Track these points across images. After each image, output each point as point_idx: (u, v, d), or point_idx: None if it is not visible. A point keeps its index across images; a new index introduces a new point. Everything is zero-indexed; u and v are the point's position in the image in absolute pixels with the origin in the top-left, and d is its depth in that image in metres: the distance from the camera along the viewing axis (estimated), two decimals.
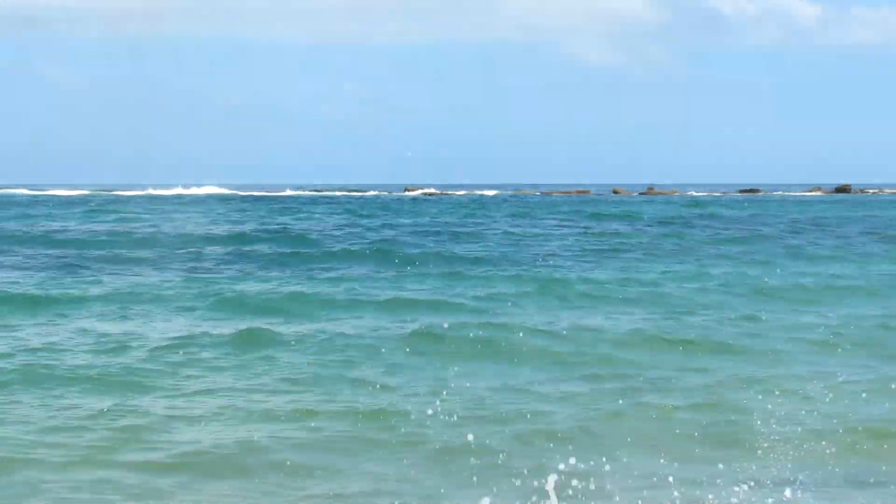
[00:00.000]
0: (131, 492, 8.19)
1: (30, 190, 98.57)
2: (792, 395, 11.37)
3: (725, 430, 10.26)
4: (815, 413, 10.64)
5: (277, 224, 43.82)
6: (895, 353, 14.40)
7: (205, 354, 14.17)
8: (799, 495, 8.05)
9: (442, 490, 8.20)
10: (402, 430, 9.79)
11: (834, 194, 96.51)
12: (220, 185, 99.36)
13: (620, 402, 11.09)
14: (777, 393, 11.30)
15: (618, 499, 7.90)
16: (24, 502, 8.07)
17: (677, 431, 9.89)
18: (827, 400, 11.24)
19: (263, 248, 31.61)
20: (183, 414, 10.79)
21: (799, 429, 9.82)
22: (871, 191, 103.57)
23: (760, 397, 11.19)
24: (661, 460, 8.87)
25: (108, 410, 10.50)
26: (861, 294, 21.43)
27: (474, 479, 8.22)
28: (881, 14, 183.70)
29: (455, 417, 9.71)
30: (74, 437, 9.84)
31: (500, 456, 8.87)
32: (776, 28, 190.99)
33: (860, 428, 9.97)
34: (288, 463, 8.74)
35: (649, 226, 44.88)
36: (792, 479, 8.46)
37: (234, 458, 8.99)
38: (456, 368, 12.62)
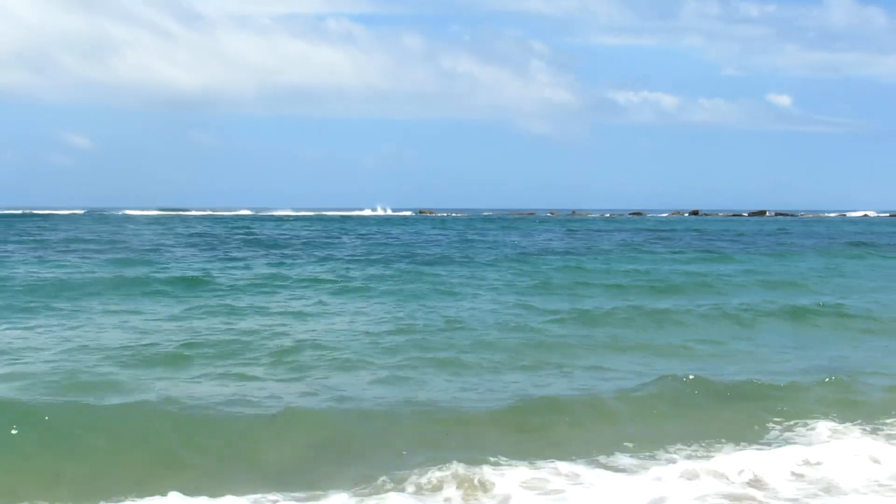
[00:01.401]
0: None
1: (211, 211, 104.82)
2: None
3: None
4: None
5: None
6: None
7: None
8: None
9: None
10: None
11: (688, 216, 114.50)
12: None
13: None
14: None
15: None
16: None
17: None
18: None
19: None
20: None
21: None
22: (711, 213, 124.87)
23: None
24: None
25: None
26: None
27: None
28: (715, 102, 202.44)
29: None
30: None
31: None
32: (650, 111, 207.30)
33: None
34: None
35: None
36: None
37: None
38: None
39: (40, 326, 12.82)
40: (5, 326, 12.69)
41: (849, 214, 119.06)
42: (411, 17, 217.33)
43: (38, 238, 37.14)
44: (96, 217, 77.18)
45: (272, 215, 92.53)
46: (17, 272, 20.43)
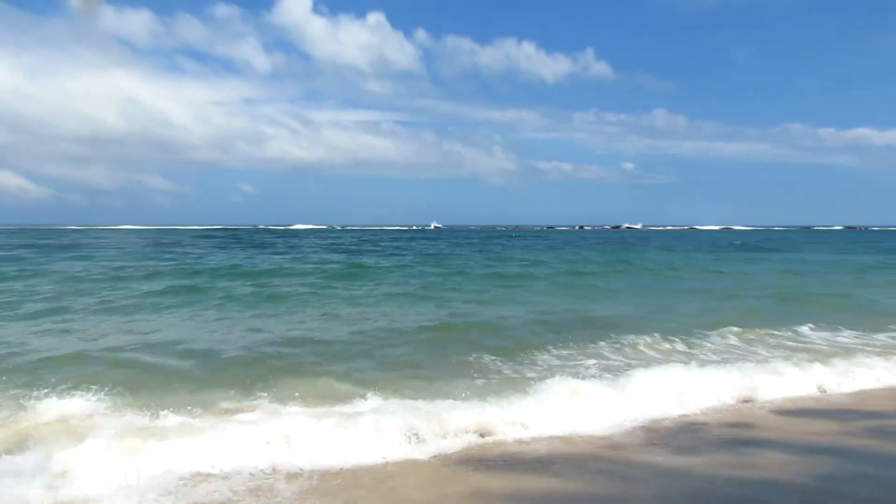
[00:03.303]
0: None
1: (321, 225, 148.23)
2: None
3: None
4: None
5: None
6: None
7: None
8: None
9: None
10: None
11: (578, 228, 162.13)
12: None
13: None
14: None
15: None
16: None
17: None
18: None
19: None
20: None
21: None
22: (591, 226, 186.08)
23: None
24: None
25: None
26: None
27: None
28: (592, 167, 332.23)
29: None
30: None
31: None
32: (557, 173, 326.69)
33: None
34: None
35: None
36: None
37: None
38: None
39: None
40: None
41: (669, 227, 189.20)
42: (428, 122, 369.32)
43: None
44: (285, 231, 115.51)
45: (356, 227, 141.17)
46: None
